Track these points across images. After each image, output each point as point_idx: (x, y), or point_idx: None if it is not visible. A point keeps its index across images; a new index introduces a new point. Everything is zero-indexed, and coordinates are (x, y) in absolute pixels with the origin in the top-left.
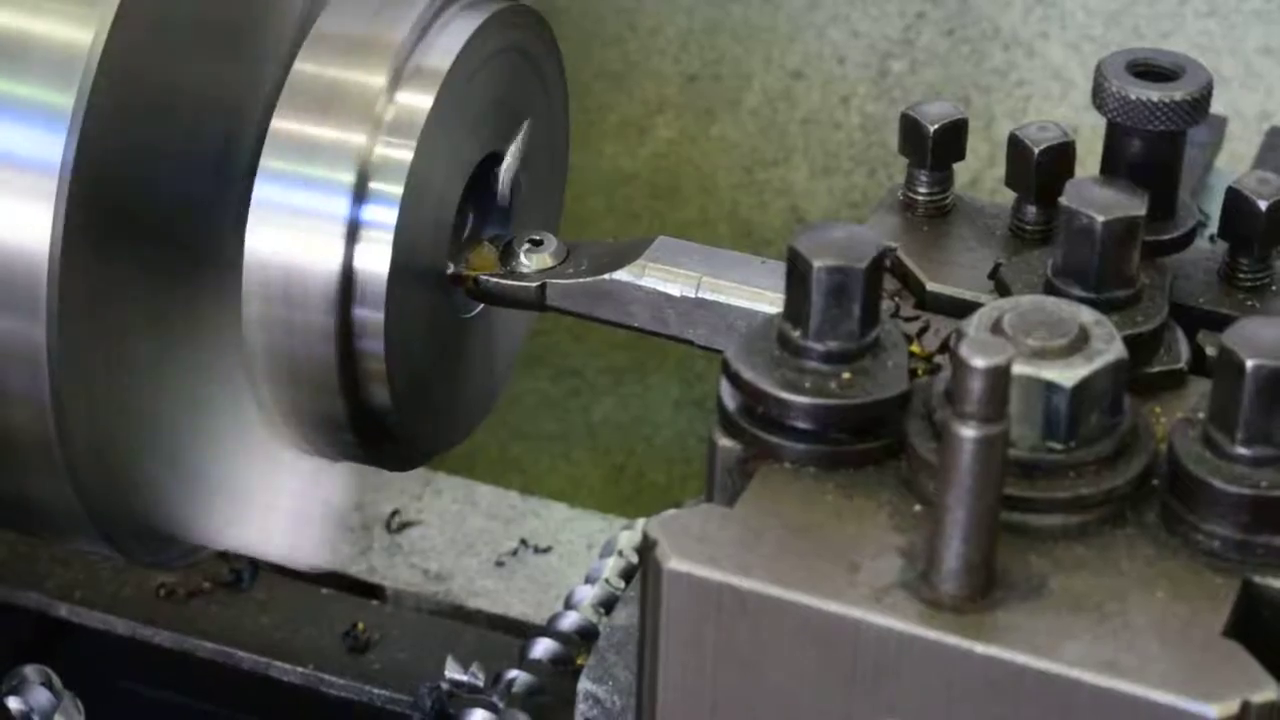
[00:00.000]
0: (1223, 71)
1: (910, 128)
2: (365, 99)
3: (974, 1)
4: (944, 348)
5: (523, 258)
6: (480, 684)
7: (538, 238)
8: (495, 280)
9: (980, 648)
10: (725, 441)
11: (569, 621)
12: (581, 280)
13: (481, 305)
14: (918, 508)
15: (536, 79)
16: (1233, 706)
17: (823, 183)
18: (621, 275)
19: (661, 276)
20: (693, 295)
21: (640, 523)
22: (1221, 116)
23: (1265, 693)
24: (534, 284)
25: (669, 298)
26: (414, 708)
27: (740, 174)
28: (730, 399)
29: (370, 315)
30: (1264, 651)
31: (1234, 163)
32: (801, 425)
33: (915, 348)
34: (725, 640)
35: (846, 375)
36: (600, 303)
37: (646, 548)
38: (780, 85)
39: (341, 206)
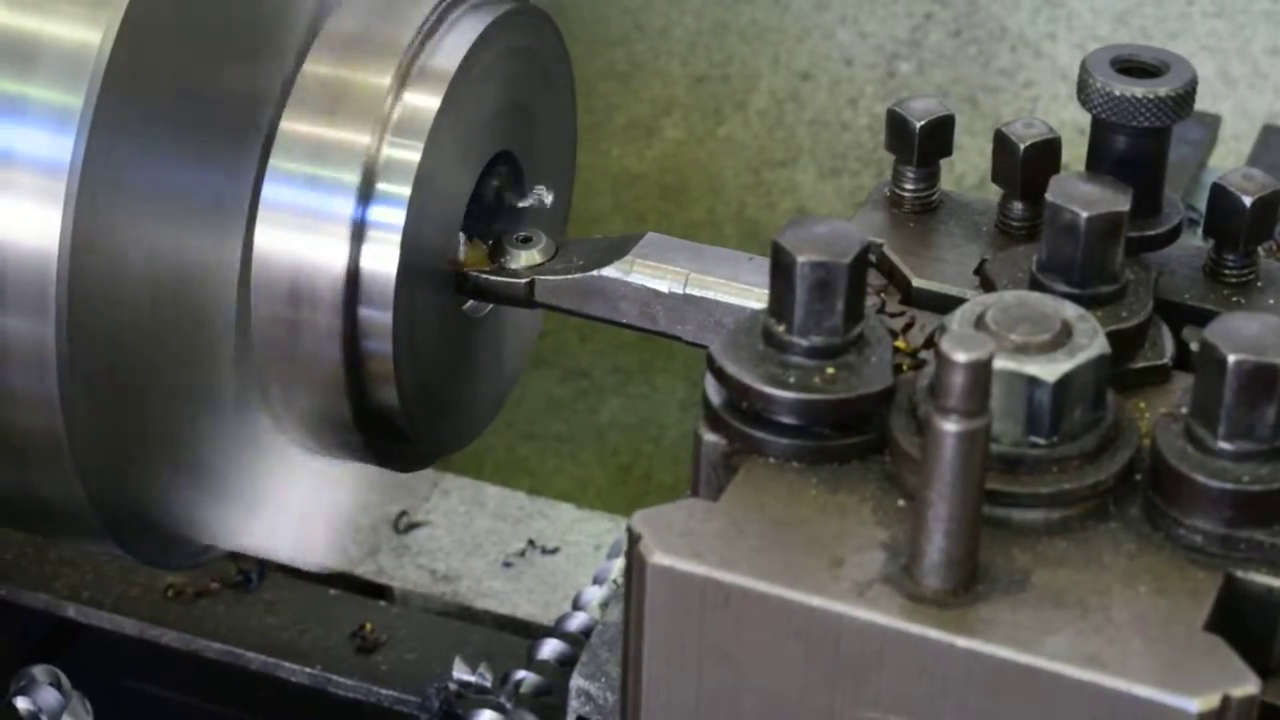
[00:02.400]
0: (1231, 72)
1: (896, 124)
2: (372, 99)
3: (982, 2)
4: (929, 343)
5: (512, 254)
6: (488, 684)
7: (527, 234)
8: (484, 276)
9: (962, 642)
10: (710, 436)
11: (576, 622)
12: (570, 277)
13: (490, 306)
14: (901, 502)
15: (544, 79)
16: (1213, 700)
17: (830, 183)
18: (610, 272)
19: (649, 273)
20: (680, 291)
21: None
22: (1215, 115)
23: (1246, 687)
24: (523, 280)
25: (657, 294)
26: (422, 708)
27: (748, 175)
28: (715, 394)
29: (378, 316)
30: (1245, 646)
31: (1240, 163)
32: (785, 420)
33: (900, 343)
34: (708, 634)
35: (830, 370)
36: (589, 299)
37: (631, 542)
38: (788, 86)
39: (346, 207)
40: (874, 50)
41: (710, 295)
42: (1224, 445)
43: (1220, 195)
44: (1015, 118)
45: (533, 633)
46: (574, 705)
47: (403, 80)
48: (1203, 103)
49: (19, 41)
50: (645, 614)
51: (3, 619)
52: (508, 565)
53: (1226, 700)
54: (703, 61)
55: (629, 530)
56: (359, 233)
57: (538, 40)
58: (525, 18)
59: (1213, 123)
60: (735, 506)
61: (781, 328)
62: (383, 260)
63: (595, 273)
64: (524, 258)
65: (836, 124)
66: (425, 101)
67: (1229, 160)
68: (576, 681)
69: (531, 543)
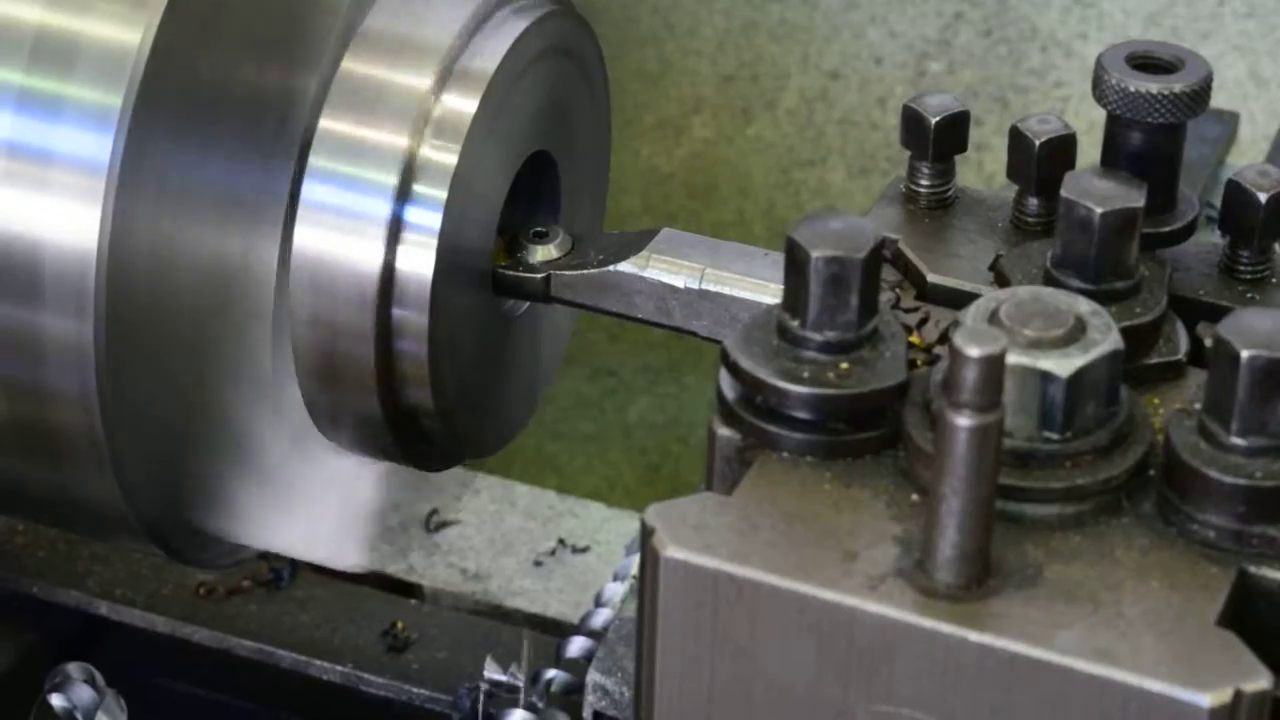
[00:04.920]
0: (1261, 73)
1: (912, 120)
2: (411, 100)
3: (1012, 2)
4: (943, 339)
5: (528, 248)
6: (519, 684)
7: (543, 229)
8: (501, 271)
9: (975, 636)
10: (724, 430)
11: (601, 619)
12: (586, 272)
13: (526, 306)
14: (915, 497)
15: (581, 79)
16: (1225, 695)
17: (860, 183)
18: (626, 267)
19: (665, 268)
20: (696, 287)
21: None
22: (1233, 113)
23: (1258, 682)
24: (539, 275)
25: (673, 289)
26: (453, 707)
27: (777, 174)
28: (729, 388)
29: (414, 317)
30: (1258, 641)
31: None
32: (799, 415)
33: (915, 339)
34: (722, 628)
35: (844, 365)
36: (605, 294)
37: (645, 536)
38: (817, 85)
39: (383, 208)
40: (904, 49)
41: (726, 290)
42: (1237, 441)
43: (1235, 191)
44: None
45: (564, 632)
46: (590, 700)
47: (443, 81)
48: (1233, 103)
49: (58, 40)
50: (659, 608)
51: (35, 616)
52: (538, 564)
53: (1239, 695)
54: (732, 61)
55: (642, 524)
56: (395, 234)
57: (574, 41)
58: (563, 19)
59: (1231, 120)
60: (749, 500)
61: (796, 323)
62: (420, 261)
63: (611, 268)
64: (540, 253)
65: (866, 123)
66: (464, 103)
67: (1257, 161)
68: (593, 677)
69: (562, 541)
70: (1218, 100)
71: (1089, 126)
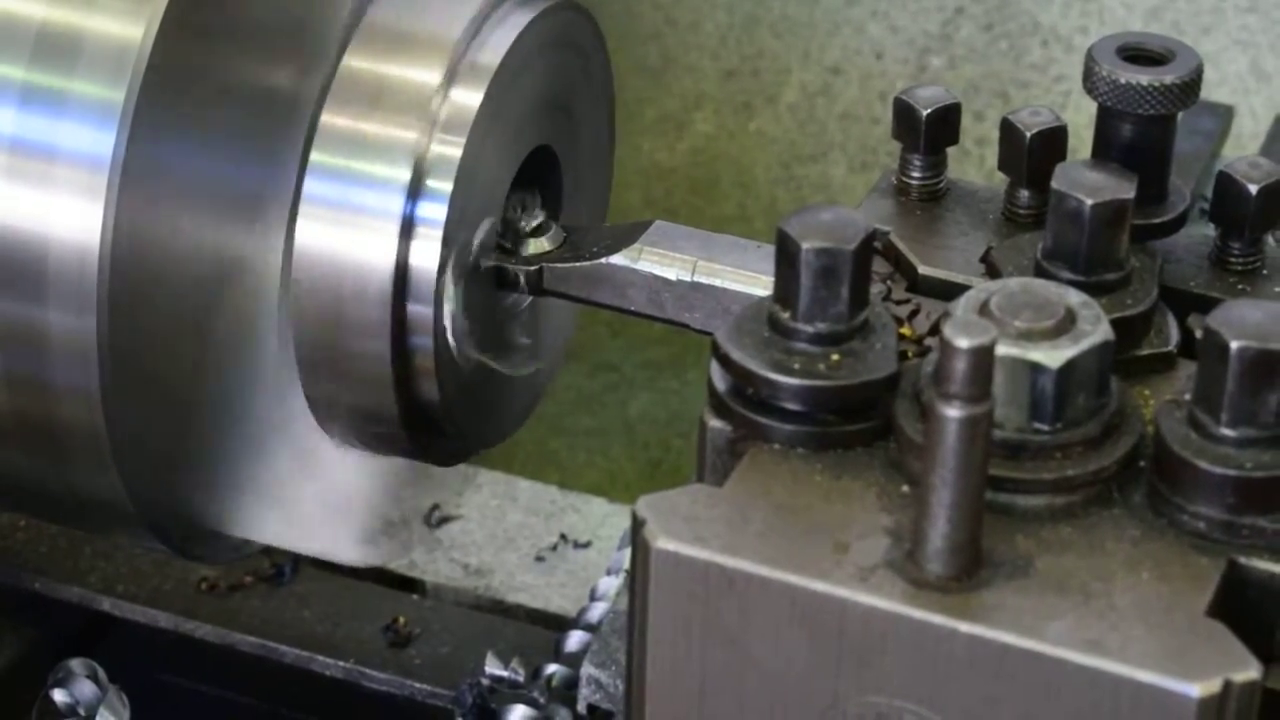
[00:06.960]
0: (1263, 67)
1: (903, 112)
2: (420, 96)
3: None
4: (934, 330)
5: (522, 242)
6: (521, 679)
7: (537, 222)
8: (495, 264)
9: (965, 627)
10: (715, 422)
11: (597, 613)
12: (579, 264)
13: (530, 300)
14: (905, 488)
15: (584, 74)
16: (1215, 686)
17: (861, 178)
18: (618, 259)
19: (658, 260)
20: (688, 279)
21: None
22: (1228, 105)
23: (1247, 672)
24: (532, 268)
25: (665, 281)
26: (455, 703)
27: (778, 169)
28: (720, 380)
29: (421, 311)
30: (1248, 632)
31: None
32: (790, 406)
33: (906, 330)
34: (713, 619)
35: (835, 357)
36: (597, 287)
37: (636, 527)
38: (819, 80)
39: (396, 203)
40: (905, 44)
41: (718, 283)
42: (1227, 432)
43: (1226, 183)
44: None
45: (565, 627)
46: (584, 693)
47: (451, 77)
48: (1234, 97)
49: (61, 37)
50: (650, 599)
51: (38, 612)
52: (540, 559)
53: (1228, 686)
54: (733, 56)
55: (634, 516)
56: (407, 229)
57: (578, 35)
58: (567, 13)
59: (1225, 113)
60: (740, 492)
61: (787, 314)
62: (427, 256)
63: (604, 260)
64: (533, 245)
65: (867, 118)
66: (469, 98)
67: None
68: (587, 669)
69: (563, 537)
70: (1219, 94)
71: (1090, 121)
